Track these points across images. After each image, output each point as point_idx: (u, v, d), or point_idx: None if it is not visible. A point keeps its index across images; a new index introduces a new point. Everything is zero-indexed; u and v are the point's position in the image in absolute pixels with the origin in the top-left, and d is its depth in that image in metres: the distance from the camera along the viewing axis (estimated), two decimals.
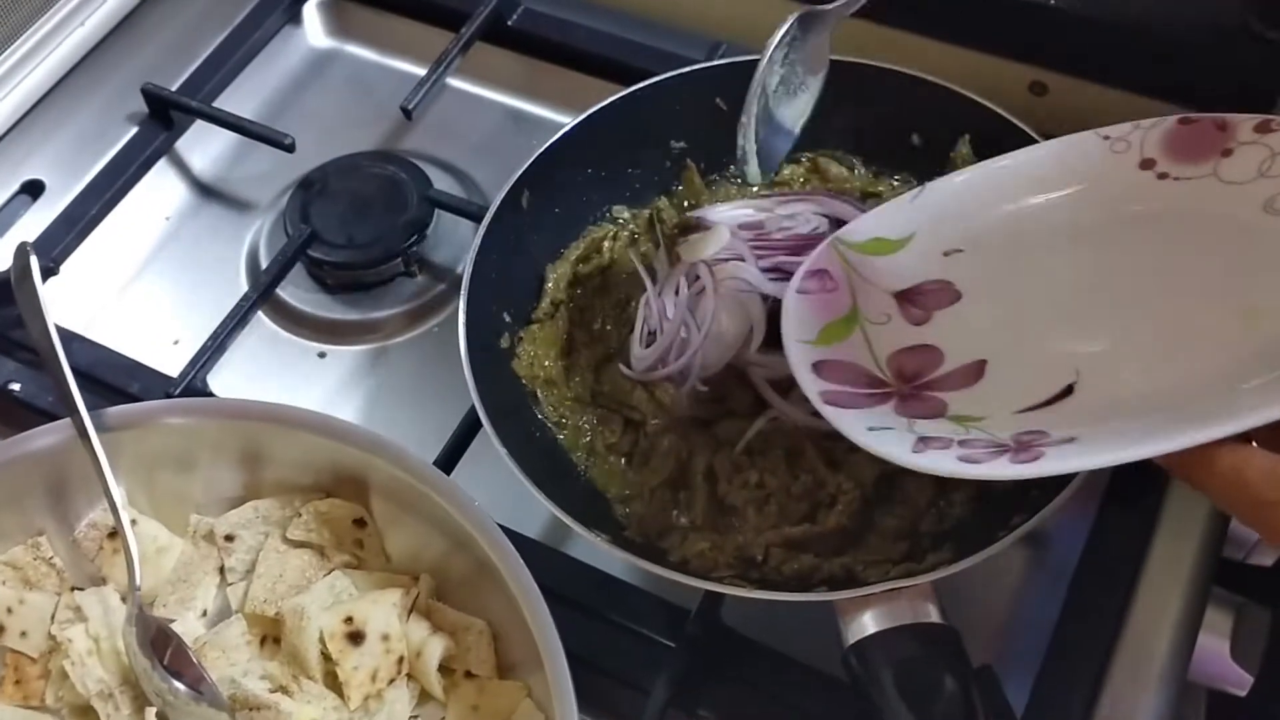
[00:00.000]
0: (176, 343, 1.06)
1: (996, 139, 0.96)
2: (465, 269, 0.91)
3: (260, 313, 1.07)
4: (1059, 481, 0.79)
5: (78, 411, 0.80)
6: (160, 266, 1.13)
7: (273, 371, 1.06)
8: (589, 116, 0.98)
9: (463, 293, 0.90)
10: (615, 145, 1.00)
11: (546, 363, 0.93)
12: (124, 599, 0.84)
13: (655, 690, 0.82)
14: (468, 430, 0.92)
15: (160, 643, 0.79)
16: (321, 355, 1.07)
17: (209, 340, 1.00)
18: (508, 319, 0.95)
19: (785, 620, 0.87)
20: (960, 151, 0.97)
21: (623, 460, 0.91)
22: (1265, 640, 0.93)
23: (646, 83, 1.00)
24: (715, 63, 1.03)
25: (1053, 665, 0.84)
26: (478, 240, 0.92)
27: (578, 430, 0.92)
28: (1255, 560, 0.99)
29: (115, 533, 0.84)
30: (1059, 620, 0.86)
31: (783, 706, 0.84)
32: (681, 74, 1.01)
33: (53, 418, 0.85)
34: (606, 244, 0.99)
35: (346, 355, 1.07)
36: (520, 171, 0.95)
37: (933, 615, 0.75)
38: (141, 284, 1.12)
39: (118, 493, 0.80)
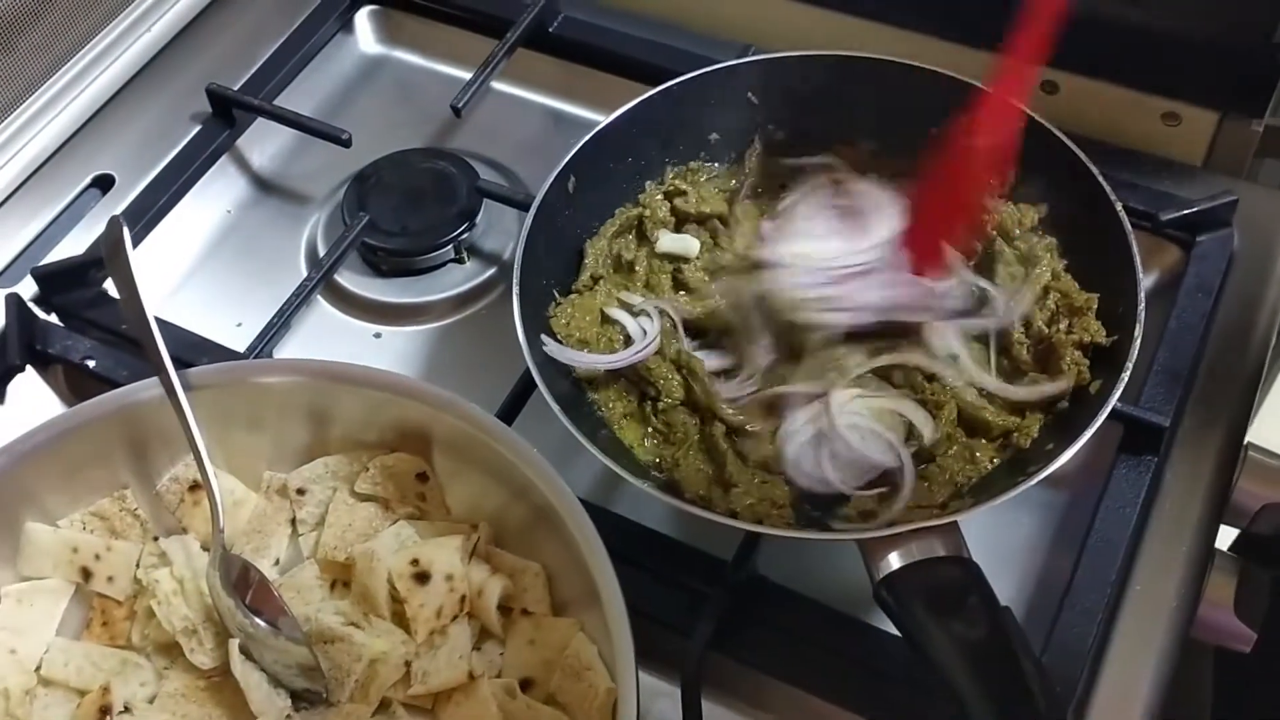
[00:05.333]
0: (239, 325, 1.13)
1: None
2: (518, 244, 0.98)
3: (319, 296, 1.14)
4: (1073, 437, 0.86)
5: (165, 370, 0.87)
6: (222, 256, 1.20)
7: (331, 351, 1.12)
8: (630, 109, 1.05)
9: (516, 263, 0.97)
10: (654, 136, 1.08)
11: (583, 323, 1.00)
12: (204, 547, 0.90)
13: (696, 633, 0.88)
14: (521, 393, 0.98)
15: (242, 582, 0.85)
16: (377, 336, 1.14)
17: (274, 317, 1.07)
18: (555, 293, 1.02)
19: (815, 568, 0.94)
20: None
21: (648, 429, 0.97)
22: (1268, 599, 0.99)
23: (683, 78, 1.07)
24: (743, 60, 1.10)
25: (1067, 614, 0.90)
26: (529, 220, 0.99)
27: (608, 395, 0.98)
28: (1255, 530, 1.05)
29: (196, 486, 0.91)
30: (1072, 571, 0.92)
31: (813, 646, 0.90)
32: (715, 70, 1.08)
33: None
34: (648, 220, 1.06)
35: (400, 336, 1.14)
36: (568, 158, 1.03)
37: (955, 551, 0.81)
38: (205, 272, 1.19)
39: (203, 444, 0.86)
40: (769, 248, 1.01)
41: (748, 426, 0.94)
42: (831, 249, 0.98)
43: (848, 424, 0.91)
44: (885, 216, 1.00)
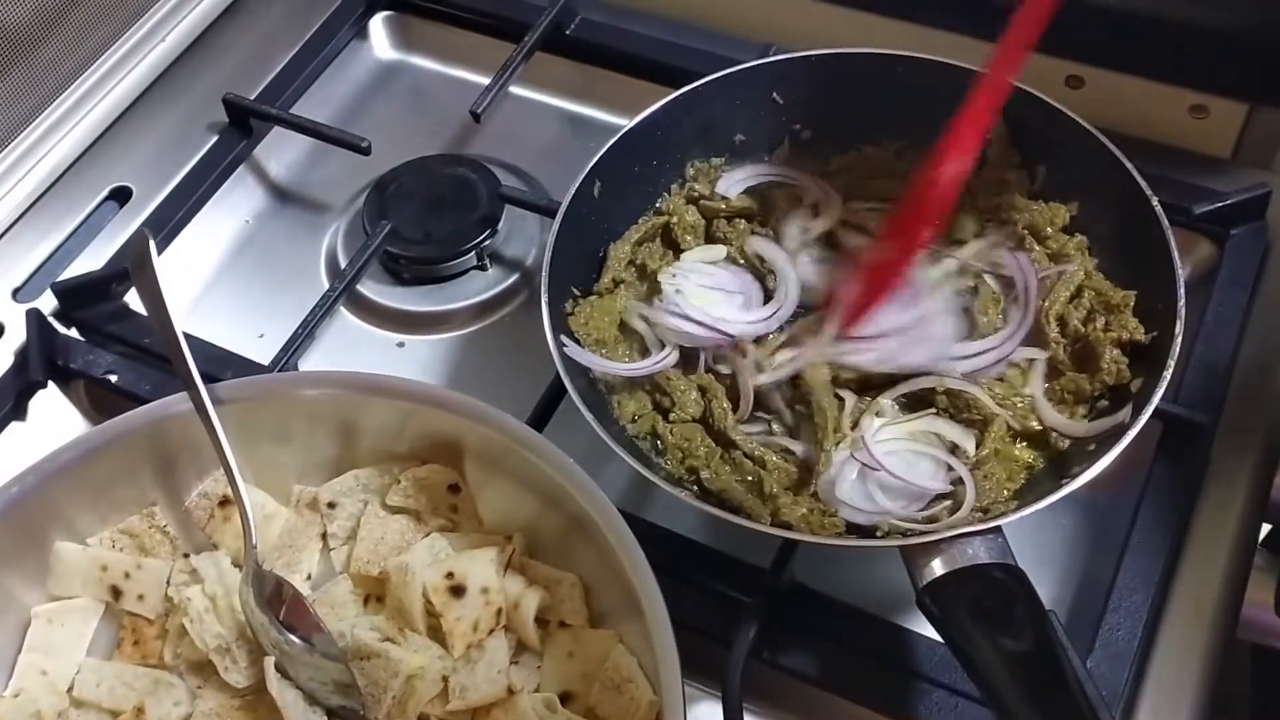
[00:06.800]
0: (261, 336, 1.12)
1: (1034, 122, 1.02)
2: (547, 251, 0.97)
3: (341, 306, 1.13)
4: (1114, 437, 0.85)
5: (195, 386, 0.86)
6: (242, 267, 1.19)
7: (354, 361, 1.11)
8: (655, 111, 1.04)
9: (544, 270, 0.95)
10: (679, 138, 1.07)
11: (601, 324, 0.99)
12: (234, 563, 0.89)
13: (737, 642, 0.87)
14: (550, 401, 0.97)
15: (276, 599, 0.84)
16: (400, 345, 1.12)
17: (299, 328, 1.06)
18: (575, 291, 1.01)
19: (853, 574, 0.92)
20: (997, 130, 1.03)
21: (656, 439, 0.96)
22: None
23: (707, 79, 1.06)
24: (770, 59, 1.09)
25: (1111, 616, 0.89)
26: (556, 226, 0.98)
27: (621, 399, 0.97)
28: None
29: (225, 501, 0.90)
30: (1114, 572, 0.90)
31: (853, 653, 0.89)
32: (739, 70, 1.07)
33: None
34: (675, 227, 1.05)
35: (423, 345, 1.12)
36: (593, 162, 1.01)
37: (1000, 557, 0.80)
38: (225, 284, 1.18)
39: (233, 458, 0.85)
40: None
41: (766, 461, 0.93)
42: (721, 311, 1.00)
43: (886, 451, 0.90)
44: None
